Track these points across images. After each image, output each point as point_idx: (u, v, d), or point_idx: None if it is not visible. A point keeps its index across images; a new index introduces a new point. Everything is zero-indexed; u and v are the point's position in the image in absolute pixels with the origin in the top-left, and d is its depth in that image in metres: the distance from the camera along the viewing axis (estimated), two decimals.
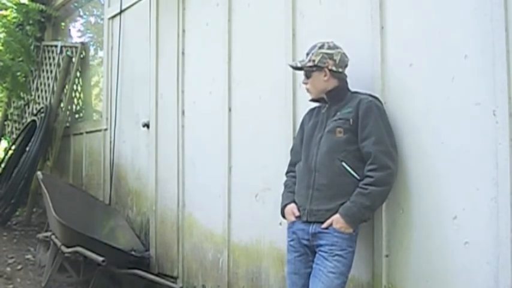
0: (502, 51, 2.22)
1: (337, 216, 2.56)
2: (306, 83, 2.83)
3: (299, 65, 2.82)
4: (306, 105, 3.00)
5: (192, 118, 4.42)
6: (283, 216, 2.85)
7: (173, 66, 4.61)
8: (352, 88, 2.80)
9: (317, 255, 2.63)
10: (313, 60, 2.75)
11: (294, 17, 3.38)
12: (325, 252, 2.57)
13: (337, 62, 2.75)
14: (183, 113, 4.50)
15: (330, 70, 2.74)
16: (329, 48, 2.76)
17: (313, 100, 2.86)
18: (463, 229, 2.36)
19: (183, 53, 4.54)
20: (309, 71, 2.77)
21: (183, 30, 4.55)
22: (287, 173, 2.96)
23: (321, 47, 2.76)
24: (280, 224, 3.21)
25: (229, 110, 3.92)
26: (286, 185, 2.92)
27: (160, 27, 4.87)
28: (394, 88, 2.73)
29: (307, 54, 2.80)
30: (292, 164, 2.94)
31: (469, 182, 2.35)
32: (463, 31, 2.41)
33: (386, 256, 2.71)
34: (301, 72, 2.89)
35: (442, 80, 2.48)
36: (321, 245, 2.60)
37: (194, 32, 4.45)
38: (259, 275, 3.58)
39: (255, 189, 3.63)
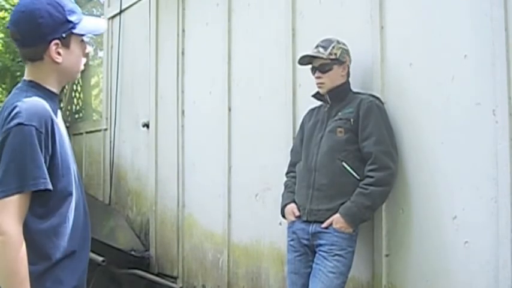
0: (502, 51, 2.22)
1: (337, 215, 2.56)
2: (319, 77, 2.74)
3: (323, 55, 2.69)
4: (306, 105, 3.00)
5: (192, 118, 4.42)
6: (283, 216, 2.84)
7: (173, 66, 4.61)
8: (352, 87, 2.80)
9: (317, 255, 2.62)
10: (335, 54, 2.72)
11: (294, 16, 3.38)
12: (325, 252, 2.57)
13: (351, 59, 2.77)
14: (183, 113, 4.50)
15: (348, 66, 2.75)
16: (344, 45, 2.76)
17: (315, 96, 2.83)
18: (463, 229, 2.36)
19: (182, 53, 4.54)
20: (330, 64, 2.71)
21: (183, 30, 4.55)
22: (287, 173, 2.96)
23: (339, 43, 2.75)
24: (280, 224, 3.21)
25: (229, 110, 3.92)
26: (286, 185, 2.91)
27: (160, 27, 4.87)
28: (394, 88, 2.73)
29: (324, 47, 2.72)
30: (292, 165, 2.94)
31: (469, 182, 2.35)
32: (463, 31, 2.41)
33: (387, 256, 2.71)
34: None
35: (442, 80, 2.48)
36: (320, 245, 2.60)
37: (194, 32, 4.45)
38: (259, 275, 3.58)
39: (255, 189, 3.63)
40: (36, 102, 1.56)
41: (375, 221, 2.76)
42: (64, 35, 1.63)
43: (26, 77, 1.68)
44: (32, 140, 1.49)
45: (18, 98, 1.58)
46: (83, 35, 1.70)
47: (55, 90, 1.69)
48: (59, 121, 1.66)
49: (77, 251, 1.66)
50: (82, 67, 1.75)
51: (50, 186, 1.52)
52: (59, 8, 1.62)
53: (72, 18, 1.65)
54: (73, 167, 1.67)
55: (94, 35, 1.88)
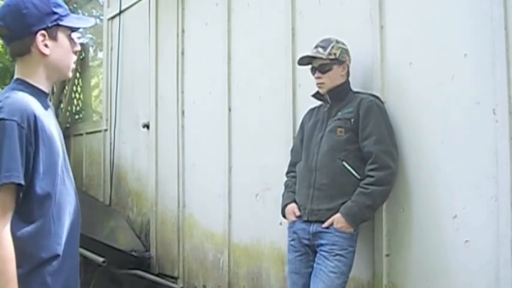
0: (502, 50, 2.22)
1: (338, 215, 2.56)
2: (319, 77, 2.74)
3: (323, 55, 2.69)
4: (306, 105, 3.00)
5: (192, 118, 4.42)
6: (284, 216, 2.84)
7: (173, 66, 4.61)
8: (352, 87, 2.80)
9: (318, 254, 2.63)
10: (335, 54, 2.71)
11: (294, 16, 3.38)
12: (326, 251, 2.57)
13: (350, 59, 2.77)
14: (183, 113, 4.50)
15: (347, 66, 2.75)
16: (343, 44, 2.76)
17: (315, 96, 2.83)
18: (463, 228, 2.36)
19: (182, 53, 4.54)
20: (330, 64, 2.71)
21: (183, 30, 4.55)
22: (287, 173, 2.96)
23: (338, 42, 2.75)
24: (281, 223, 3.21)
25: (229, 110, 3.92)
26: (286, 185, 2.91)
27: (159, 28, 4.87)
28: (394, 87, 2.73)
29: (323, 47, 2.71)
30: (292, 164, 2.94)
31: (469, 181, 2.35)
32: (463, 30, 2.41)
33: (387, 255, 2.71)
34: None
35: (441, 79, 2.48)
36: (321, 245, 2.60)
37: (194, 32, 4.45)
38: (260, 275, 3.58)
39: (255, 189, 3.63)
40: (19, 98, 1.55)
41: (375, 220, 2.76)
42: (50, 25, 1.63)
43: (15, 76, 1.68)
44: (11, 134, 1.47)
45: (3, 95, 1.57)
46: (70, 28, 1.69)
47: (43, 87, 1.67)
48: (49, 119, 1.63)
49: (64, 252, 1.60)
50: (73, 65, 1.73)
51: (22, 181, 1.47)
52: (44, 0, 1.63)
53: (57, 10, 1.65)
54: (62, 166, 1.63)
55: (83, 29, 1.87)
